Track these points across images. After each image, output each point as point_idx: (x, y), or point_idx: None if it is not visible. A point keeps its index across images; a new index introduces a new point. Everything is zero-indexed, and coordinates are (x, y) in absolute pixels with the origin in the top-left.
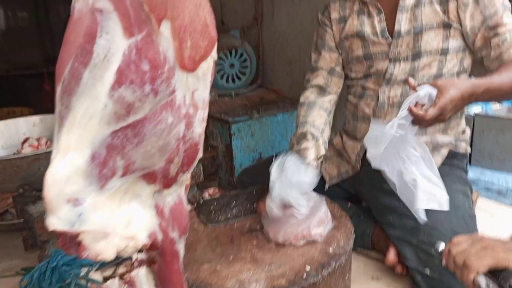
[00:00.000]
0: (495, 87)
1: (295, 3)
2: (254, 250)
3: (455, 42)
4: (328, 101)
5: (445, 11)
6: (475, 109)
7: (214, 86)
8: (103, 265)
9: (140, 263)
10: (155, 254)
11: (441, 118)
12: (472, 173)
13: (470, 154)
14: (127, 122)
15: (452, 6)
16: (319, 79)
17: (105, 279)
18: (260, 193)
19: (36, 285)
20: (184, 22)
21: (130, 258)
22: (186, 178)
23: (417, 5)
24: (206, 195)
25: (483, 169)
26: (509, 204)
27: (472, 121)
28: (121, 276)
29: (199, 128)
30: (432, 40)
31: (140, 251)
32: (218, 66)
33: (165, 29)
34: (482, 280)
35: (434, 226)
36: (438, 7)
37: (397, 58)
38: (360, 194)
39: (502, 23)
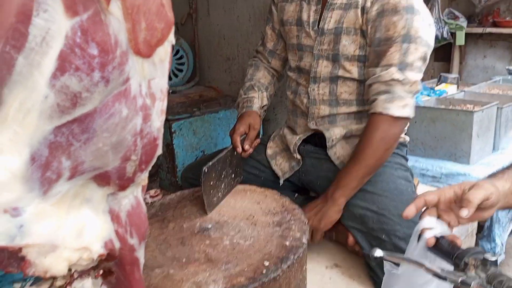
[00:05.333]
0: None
1: None
2: (208, 250)
3: None
4: (273, 70)
5: (363, 20)
6: None
7: None
8: (38, 279)
9: (81, 274)
10: (112, 265)
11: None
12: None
13: None
14: (73, 116)
15: (365, 17)
16: (263, 56)
17: None
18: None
19: None
20: (137, 1)
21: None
22: (143, 178)
23: (346, 7)
24: (147, 197)
25: (417, 157)
26: None
27: None
28: None
29: (157, 121)
30: (349, 45)
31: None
32: None
33: (115, 8)
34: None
35: (381, 213)
36: (359, 13)
37: (320, 56)
38: (307, 185)
39: (385, 55)
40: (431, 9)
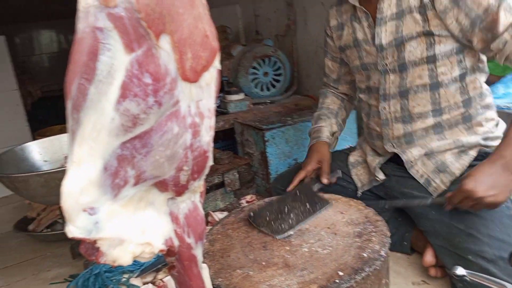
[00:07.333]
0: None
1: (326, 8)
2: (286, 255)
3: (443, 47)
4: (342, 94)
5: (425, 20)
6: None
7: (249, 94)
8: (143, 271)
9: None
10: (174, 260)
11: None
12: None
13: None
14: (135, 133)
15: (431, 14)
16: (330, 85)
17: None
18: (304, 191)
19: None
20: (183, 35)
21: (167, 264)
22: (198, 185)
23: (398, 15)
24: (243, 202)
25: None
26: None
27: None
28: (154, 282)
29: (206, 136)
30: (415, 50)
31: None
32: (253, 75)
33: (165, 43)
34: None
35: (469, 232)
36: (418, 16)
37: (386, 70)
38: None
39: (498, 20)
40: None
